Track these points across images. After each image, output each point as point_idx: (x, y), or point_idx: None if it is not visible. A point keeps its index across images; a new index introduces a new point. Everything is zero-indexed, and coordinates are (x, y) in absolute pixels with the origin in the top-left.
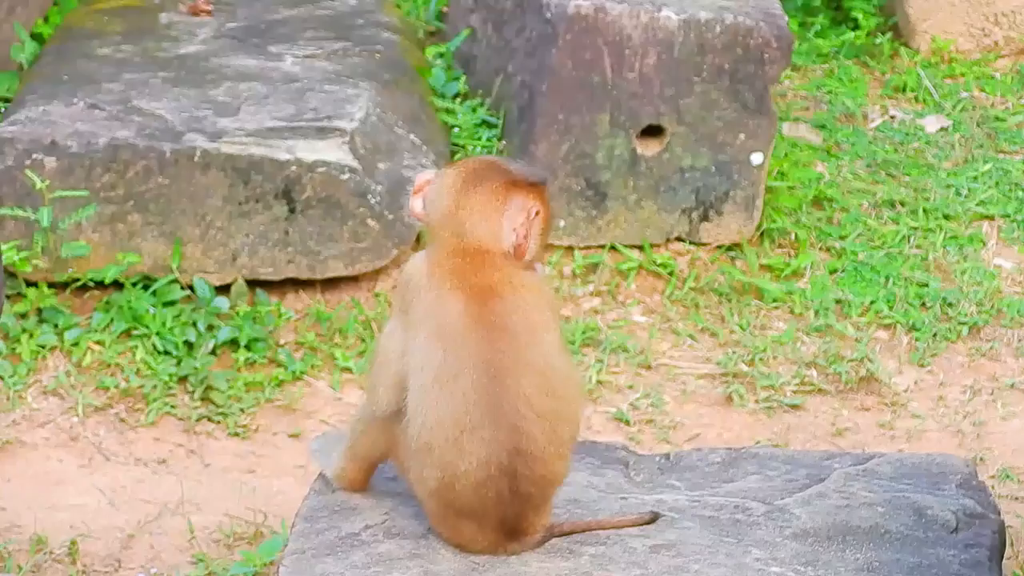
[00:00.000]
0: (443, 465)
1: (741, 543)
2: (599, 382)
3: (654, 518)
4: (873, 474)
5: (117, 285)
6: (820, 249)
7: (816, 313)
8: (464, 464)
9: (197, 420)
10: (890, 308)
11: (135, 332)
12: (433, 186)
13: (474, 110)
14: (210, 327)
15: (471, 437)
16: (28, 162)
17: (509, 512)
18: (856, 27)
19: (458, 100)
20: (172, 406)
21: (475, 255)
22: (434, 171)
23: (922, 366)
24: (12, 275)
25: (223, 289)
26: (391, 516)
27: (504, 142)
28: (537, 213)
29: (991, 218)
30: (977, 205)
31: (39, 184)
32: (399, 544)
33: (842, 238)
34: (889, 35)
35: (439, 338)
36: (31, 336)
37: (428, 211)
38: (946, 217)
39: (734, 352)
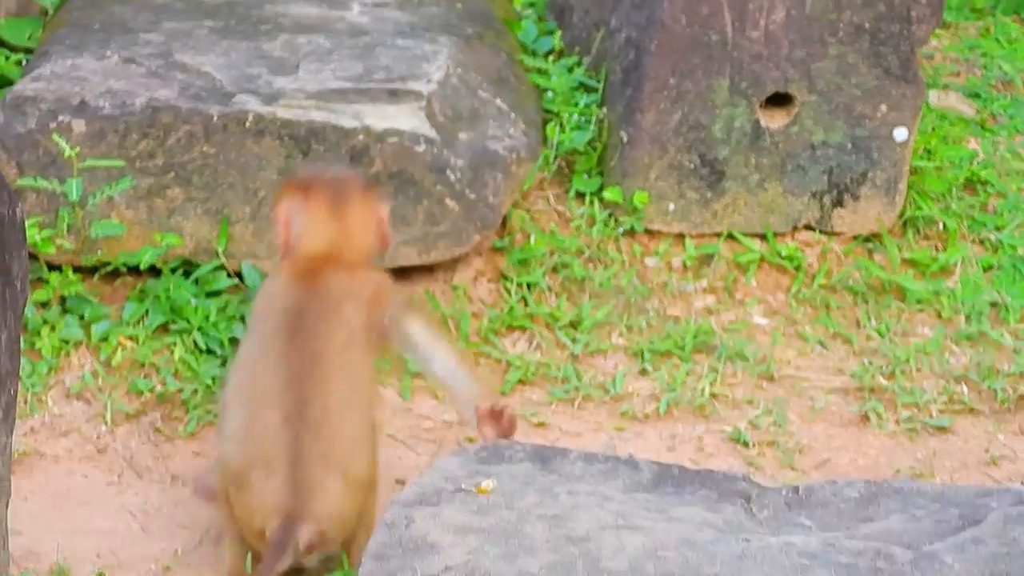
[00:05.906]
0: (246, 413)
1: None
2: (712, 395)
3: None
4: None
5: (153, 271)
6: (973, 242)
7: (967, 318)
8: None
9: None
10: None
11: (173, 327)
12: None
13: (570, 70)
14: None
15: (265, 385)
16: (53, 125)
17: (297, 459)
18: None
19: (552, 58)
20: (215, 415)
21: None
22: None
23: None
24: (33, 257)
25: None
26: (475, 555)
27: (605, 109)
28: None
29: None
30: None
31: (67, 151)
32: None
33: (998, 228)
34: None
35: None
36: (53, 329)
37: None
38: None
39: (871, 363)
